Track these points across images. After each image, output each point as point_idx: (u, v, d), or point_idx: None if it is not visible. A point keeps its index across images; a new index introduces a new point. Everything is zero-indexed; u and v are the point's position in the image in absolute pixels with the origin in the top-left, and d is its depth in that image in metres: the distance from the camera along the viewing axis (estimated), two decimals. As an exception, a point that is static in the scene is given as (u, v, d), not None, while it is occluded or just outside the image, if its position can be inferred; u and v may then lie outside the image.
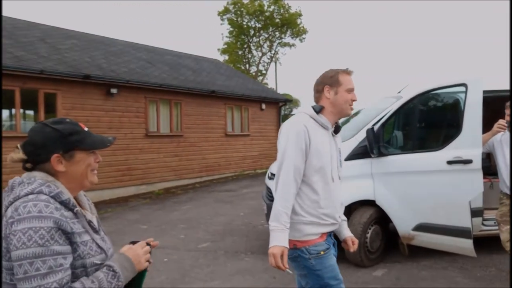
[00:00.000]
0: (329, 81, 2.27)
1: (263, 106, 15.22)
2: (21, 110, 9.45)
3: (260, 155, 15.04)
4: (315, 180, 2.17)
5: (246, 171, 14.34)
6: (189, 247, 5.83)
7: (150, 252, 1.50)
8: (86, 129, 1.44)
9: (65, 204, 1.33)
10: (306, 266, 2.16)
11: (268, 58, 36.89)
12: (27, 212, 1.23)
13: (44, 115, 9.03)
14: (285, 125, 2.25)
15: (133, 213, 8.38)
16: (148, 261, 1.48)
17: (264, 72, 37.15)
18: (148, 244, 1.54)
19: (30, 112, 11.44)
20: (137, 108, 10.89)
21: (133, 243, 1.51)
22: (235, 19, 34.66)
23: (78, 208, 1.37)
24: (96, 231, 1.45)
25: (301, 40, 35.84)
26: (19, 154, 1.37)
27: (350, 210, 4.72)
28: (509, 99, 3.85)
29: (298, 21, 34.58)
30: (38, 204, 1.25)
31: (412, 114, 4.85)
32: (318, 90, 2.30)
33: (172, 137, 11.82)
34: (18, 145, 1.39)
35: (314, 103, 2.34)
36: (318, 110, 2.25)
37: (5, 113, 9.92)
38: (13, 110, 9.13)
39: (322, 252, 2.16)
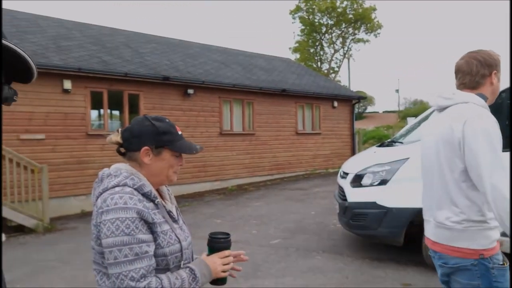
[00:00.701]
0: (495, 64, 1.92)
1: (335, 104, 14.95)
2: (109, 110, 10.26)
3: (332, 154, 14.79)
4: None
5: (317, 170, 14.20)
6: (261, 243, 5.93)
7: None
8: (180, 132, 1.53)
9: (147, 196, 1.43)
10: (485, 277, 1.81)
11: (341, 55, 36.10)
12: (114, 204, 1.34)
13: (128, 115, 9.75)
14: (480, 121, 1.78)
15: (208, 208, 8.72)
16: (225, 271, 1.50)
17: (336, 69, 36.44)
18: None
19: (116, 112, 12.40)
20: (212, 107, 11.30)
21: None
22: (307, 17, 34.40)
23: (158, 200, 1.46)
24: (175, 221, 1.53)
25: (375, 36, 34.63)
26: (117, 138, 1.49)
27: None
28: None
29: (373, 15, 33.38)
30: (123, 196, 1.36)
31: (501, 109, 4.45)
32: (484, 74, 1.91)
33: (244, 135, 12.10)
34: (119, 129, 1.52)
35: (455, 89, 1.97)
36: (486, 100, 1.90)
37: (95, 113, 10.87)
38: (102, 111, 9.97)
39: (505, 263, 1.87)
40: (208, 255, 1.53)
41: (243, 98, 12.04)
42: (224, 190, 11.03)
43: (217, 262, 1.49)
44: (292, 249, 5.61)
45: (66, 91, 8.73)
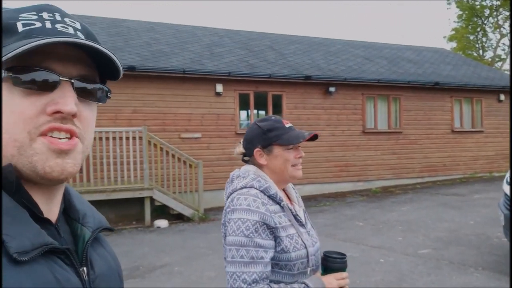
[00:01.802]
0: None
1: (502, 97, 12.89)
2: (255, 111, 10.85)
3: (497, 155, 12.80)
4: None
5: (478, 173, 12.48)
6: (407, 251, 5.46)
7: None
8: (287, 125, 1.51)
9: (272, 198, 1.43)
10: None
11: (510, 40, 31.11)
12: (239, 205, 1.39)
13: (272, 114, 10.15)
14: None
15: (350, 209, 8.47)
16: None
17: (503, 57, 31.60)
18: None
19: (262, 112, 13.04)
20: (354, 105, 10.94)
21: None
22: (465, 0, 30.65)
23: (284, 202, 1.45)
24: (302, 225, 1.49)
25: (558, 13, 28.78)
26: (240, 148, 1.58)
27: None
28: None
29: (554, -11, 27.81)
30: (248, 198, 1.39)
31: None
32: None
33: (390, 134, 11.37)
34: (240, 141, 1.60)
35: None
36: None
37: (243, 114, 11.57)
38: (249, 111, 10.59)
39: None
40: (322, 274, 1.46)
41: (388, 93, 11.33)
42: (367, 191, 10.57)
43: (333, 284, 1.42)
44: (444, 261, 5.01)
45: (218, 94, 9.53)
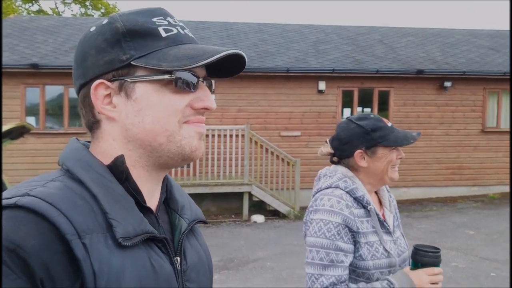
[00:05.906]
0: None
1: None
2: (359, 108, 10.50)
3: None
4: None
5: None
6: (520, 269, 4.82)
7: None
8: (389, 124, 1.42)
9: (358, 201, 1.38)
10: None
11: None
12: (322, 205, 1.36)
13: (377, 112, 9.73)
14: None
15: (460, 216, 7.73)
16: None
17: None
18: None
19: (367, 109, 12.55)
20: (474, 101, 9.85)
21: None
22: None
23: (371, 206, 1.38)
24: (388, 232, 1.42)
25: None
26: (327, 149, 1.51)
27: None
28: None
29: None
30: (331, 199, 1.36)
31: None
32: None
33: (517, 133, 9.96)
34: (327, 140, 1.54)
35: None
36: None
37: (347, 111, 11.29)
38: (351, 109, 10.31)
39: None
40: (411, 269, 1.33)
41: (518, 88, 9.92)
42: (483, 197, 9.45)
43: (423, 279, 1.28)
44: None
45: (320, 92, 9.50)
